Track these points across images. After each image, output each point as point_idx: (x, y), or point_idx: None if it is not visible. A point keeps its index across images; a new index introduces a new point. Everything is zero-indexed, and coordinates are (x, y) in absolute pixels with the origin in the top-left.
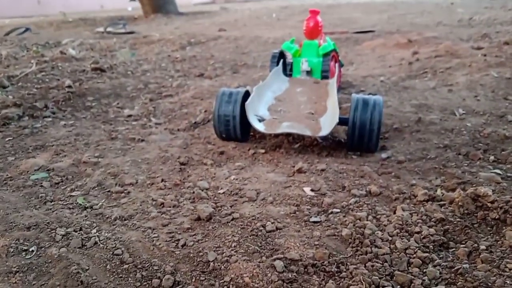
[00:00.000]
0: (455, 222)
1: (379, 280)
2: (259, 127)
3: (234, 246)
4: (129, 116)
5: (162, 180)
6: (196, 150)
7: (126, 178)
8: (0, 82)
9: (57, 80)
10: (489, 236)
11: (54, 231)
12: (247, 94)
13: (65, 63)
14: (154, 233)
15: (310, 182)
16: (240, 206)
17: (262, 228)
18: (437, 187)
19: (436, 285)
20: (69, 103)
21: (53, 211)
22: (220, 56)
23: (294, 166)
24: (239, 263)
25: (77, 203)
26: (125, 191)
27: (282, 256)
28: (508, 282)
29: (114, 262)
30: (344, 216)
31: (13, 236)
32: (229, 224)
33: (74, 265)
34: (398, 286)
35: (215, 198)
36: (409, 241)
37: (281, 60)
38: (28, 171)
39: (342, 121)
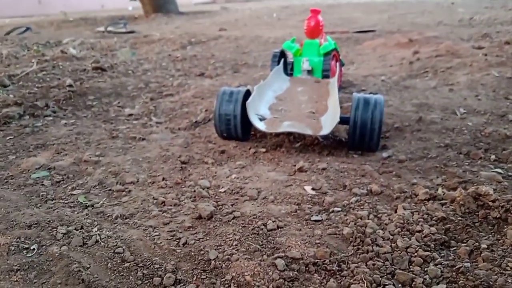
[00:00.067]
0: (456, 221)
1: (380, 278)
2: (260, 126)
3: (235, 245)
4: (130, 115)
5: (163, 179)
6: (197, 149)
7: (127, 177)
8: (1, 81)
9: (58, 79)
10: (490, 235)
11: (55, 229)
12: (247, 94)
13: (66, 62)
14: (155, 232)
15: (311, 181)
16: (241, 204)
17: (263, 226)
18: (438, 186)
19: (437, 283)
20: (70, 102)
21: (54, 210)
22: (221, 55)
23: (295, 165)
24: (240, 261)
25: (78, 201)
26: (126, 190)
27: (283, 254)
28: (509, 280)
29: (115, 260)
30: (345, 215)
31: (14, 234)
32: (230, 222)
33: (75, 263)
34: (399, 285)
35: (216, 197)
36: (410, 240)
37: (282, 60)
38: (29, 170)
39: (343, 120)
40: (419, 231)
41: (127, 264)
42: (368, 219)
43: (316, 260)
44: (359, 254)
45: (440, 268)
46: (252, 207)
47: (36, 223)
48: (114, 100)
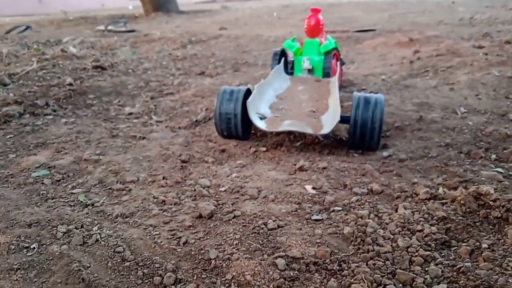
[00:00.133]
0: (457, 220)
1: (381, 278)
2: (261, 125)
3: (236, 244)
4: (130, 114)
5: (164, 178)
6: (197, 148)
7: (127, 176)
8: (1, 80)
9: (58, 78)
10: (491, 235)
11: (55, 228)
12: (248, 92)
13: (66, 61)
14: (156, 231)
15: (312, 180)
16: (242, 204)
17: (263, 226)
18: (439, 186)
19: (438, 283)
20: (70, 101)
21: (54, 208)
22: (221, 54)
23: (295, 164)
24: (241, 261)
25: (78, 200)
26: (126, 189)
27: (283, 254)
28: (510, 280)
29: (116, 259)
30: (346, 214)
31: (14, 233)
32: (231, 222)
33: (75, 263)
34: (400, 285)
35: (217, 196)
36: (411, 239)
37: (283, 59)
38: (29, 169)
39: (343, 119)
40: (419, 231)
41: (127, 264)
42: (369, 218)
43: (317, 260)
44: (360, 254)
45: (440, 268)
46: (253, 206)
47: (36, 222)
48: (114, 99)
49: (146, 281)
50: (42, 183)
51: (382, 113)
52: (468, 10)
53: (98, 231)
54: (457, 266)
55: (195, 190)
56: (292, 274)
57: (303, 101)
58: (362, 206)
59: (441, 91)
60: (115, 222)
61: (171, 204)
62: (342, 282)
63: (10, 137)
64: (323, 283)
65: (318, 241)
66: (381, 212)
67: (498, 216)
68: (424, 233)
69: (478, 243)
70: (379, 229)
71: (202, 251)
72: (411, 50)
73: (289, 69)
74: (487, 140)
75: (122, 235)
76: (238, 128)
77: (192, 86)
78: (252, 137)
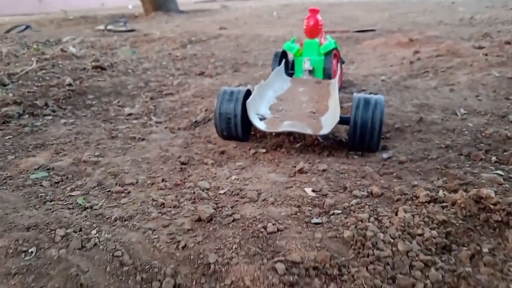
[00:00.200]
0: (457, 224)
1: (381, 283)
2: (260, 125)
3: (235, 248)
4: (130, 114)
5: (163, 180)
6: (196, 149)
7: (126, 178)
8: (1, 80)
9: (57, 78)
10: (491, 239)
11: (53, 231)
12: (248, 93)
13: (66, 61)
14: (155, 234)
15: (312, 182)
16: (241, 207)
17: (263, 229)
18: (439, 188)
19: None
20: (69, 101)
21: (52, 211)
22: (221, 54)
23: (295, 166)
24: (240, 265)
25: (77, 203)
26: (125, 191)
27: (283, 258)
28: (511, 286)
29: (114, 264)
30: (346, 218)
31: (12, 237)
32: (230, 225)
33: (74, 267)
34: None
35: (216, 199)
36: (411, 243)
37: (283, 60)
38: (28, 170)
39: (343, 120)
40: (420, 235)
41: (126, 268)
42: (369, 222)
43: (317, 264)
44: (360, 258)
45: (441, 273)
46: (252, 210)
47: (35, 225)
48: (113, 99)
49: (145, 286)
50: (41, 185)
51: (382, 113)
52: (468, 10)
53: (97, 234)
54: (458, 271)
55: (194, 192)
56: (291, 279)
57: (303, 102)
58: (362, 209)
59: (441, 92)
60: (113, 226)
61: (170, 207)
62: (342, 287)
63: (9, 138)
64: None
65: (318, 245)
66: (381, 215)
67: (499, 220)
68: (424, 237)
69: (478, 248)
70: (379, 233)
71: (201, 256)
72: (411, 51)
73: (289, 69)
74: (487, 142)
75: (120, 239)
76: (238, 129)
77: (191, 87)
78: (251, 138)
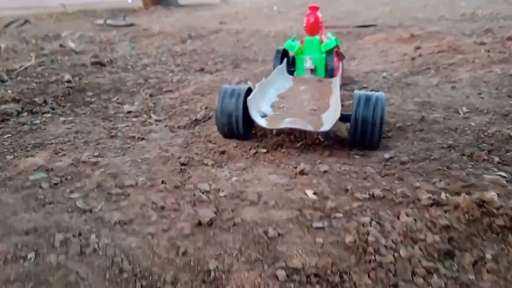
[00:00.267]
0: (460, 229)
1: None
2: (261, 122)
3: (236, 254)
4: (129, 112)
5: (162, 182)
6: (196, 149)
7: (126, 180)
8: (0, 76)
9: (56, 75)
10: (495, 244)
11: (52, 236)
12: (249, 91)
13: (65, 57)
14: (154, 239)
15: (313, 184)
16: (242, 210)
17: (264, 234)
18: (441, 191)
19: None
20: (68, 98)
21: (52, 215)
22: (221, 50)
23: (296, 167)
24: (241, 272)
25: (76, 206)
26: (125, 194)
27: (284, 265)
28: None
29: (113, 270)
30: (347, 221)
31: (12, 241)
32: (231, 230)
33: (73, 274)
34: None
35: (216, 201)
36: (413, 249)
37: (285, 59)
38: (27, 171)
39: (344, 118)
40: (422, 240)
41: (125, 275)
42: (371, 226)
43: (318, 271)
44: (362, 264)
45: (444, 281)
46: (253, 213)
47: (34, 229)
48: (113, 96)
49: None
50: (40, 187)
51: (383, 110)
52: (469, 5)
53: (96, 239)
54: (461, 279)
55: (194, 195)
56: (292, 286)
57: (305, 100)
58: (364, 213)
59: (443, 90)
60: (113, 230)
61: (170, 210)
62: None
63: (8, 136)
64: None
65: (319, 250)
66: (383, 219)
67: (502, 224)
68: (427, 242)
69: (481, 254)
70: (381, 238)
71: (201, 262)
72: (412, 46)
73: (290, 66)
74: (489, 141)
75: (120, 244)
76: (240, 126)
77: (191, 83)
78: (252, 137)
